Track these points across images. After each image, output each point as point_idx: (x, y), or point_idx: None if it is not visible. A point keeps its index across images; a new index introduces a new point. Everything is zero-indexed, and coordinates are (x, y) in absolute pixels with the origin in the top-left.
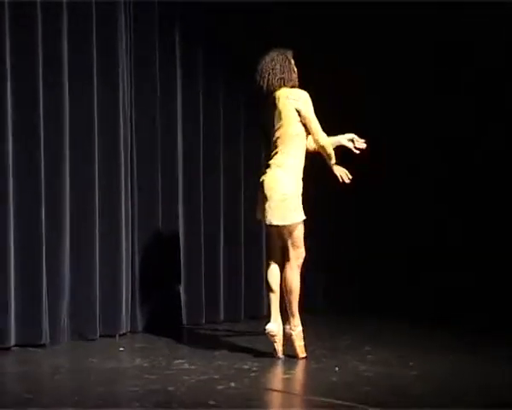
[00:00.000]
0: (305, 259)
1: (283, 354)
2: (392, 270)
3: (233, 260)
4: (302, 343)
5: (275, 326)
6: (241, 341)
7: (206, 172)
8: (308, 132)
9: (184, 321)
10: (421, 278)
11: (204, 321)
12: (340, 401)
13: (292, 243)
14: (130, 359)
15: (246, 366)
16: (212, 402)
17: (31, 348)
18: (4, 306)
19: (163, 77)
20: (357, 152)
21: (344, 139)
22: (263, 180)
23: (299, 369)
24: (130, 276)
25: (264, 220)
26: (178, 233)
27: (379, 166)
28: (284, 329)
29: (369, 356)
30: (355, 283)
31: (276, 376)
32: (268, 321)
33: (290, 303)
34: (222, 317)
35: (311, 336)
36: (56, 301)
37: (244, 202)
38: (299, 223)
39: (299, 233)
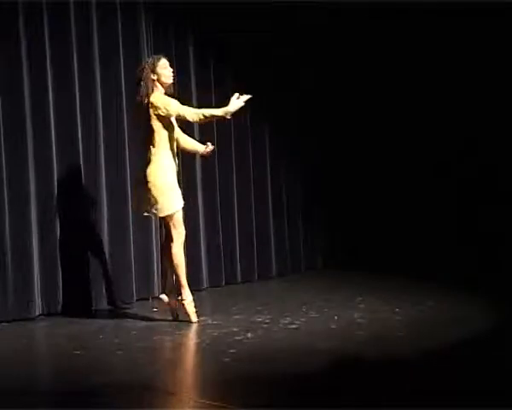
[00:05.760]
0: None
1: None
2: (384, 226)
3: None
4: (194, 310)
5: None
6: (257, 297)
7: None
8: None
9: (206, 284)
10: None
11: (224, 283)
12: None
13: (173, 226)
14: (162, 317)
15: (259, 319)
16: (232, 350)
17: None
18: (56, 280)
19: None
20: None
21: None
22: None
23: (304, 320)
24: (158, 248)
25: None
26: (199, 213)
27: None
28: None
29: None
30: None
31: (285, 326)
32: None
33: (179, 276)
34: (239, 279)
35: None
36: (97, 272)
37: None
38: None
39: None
